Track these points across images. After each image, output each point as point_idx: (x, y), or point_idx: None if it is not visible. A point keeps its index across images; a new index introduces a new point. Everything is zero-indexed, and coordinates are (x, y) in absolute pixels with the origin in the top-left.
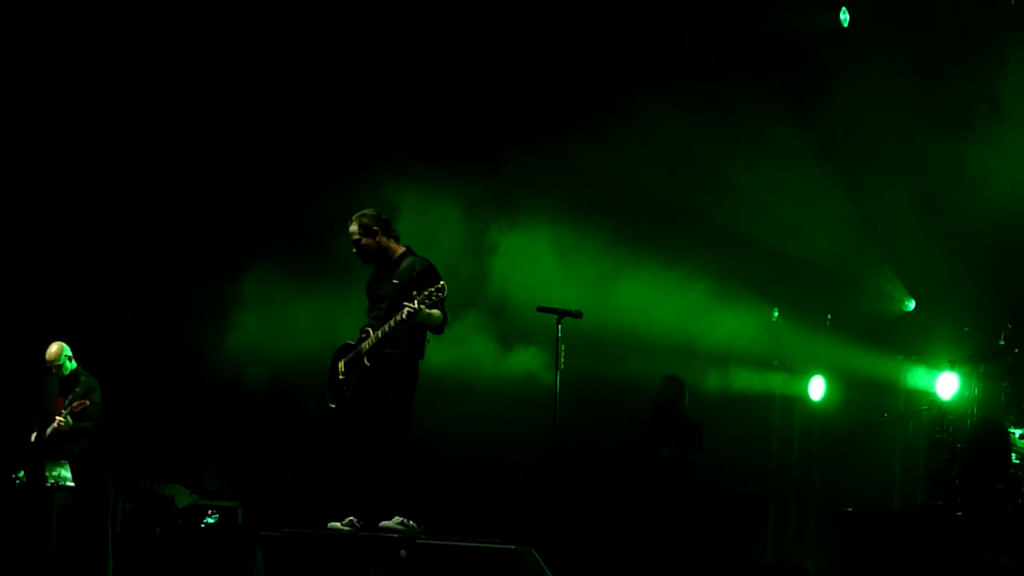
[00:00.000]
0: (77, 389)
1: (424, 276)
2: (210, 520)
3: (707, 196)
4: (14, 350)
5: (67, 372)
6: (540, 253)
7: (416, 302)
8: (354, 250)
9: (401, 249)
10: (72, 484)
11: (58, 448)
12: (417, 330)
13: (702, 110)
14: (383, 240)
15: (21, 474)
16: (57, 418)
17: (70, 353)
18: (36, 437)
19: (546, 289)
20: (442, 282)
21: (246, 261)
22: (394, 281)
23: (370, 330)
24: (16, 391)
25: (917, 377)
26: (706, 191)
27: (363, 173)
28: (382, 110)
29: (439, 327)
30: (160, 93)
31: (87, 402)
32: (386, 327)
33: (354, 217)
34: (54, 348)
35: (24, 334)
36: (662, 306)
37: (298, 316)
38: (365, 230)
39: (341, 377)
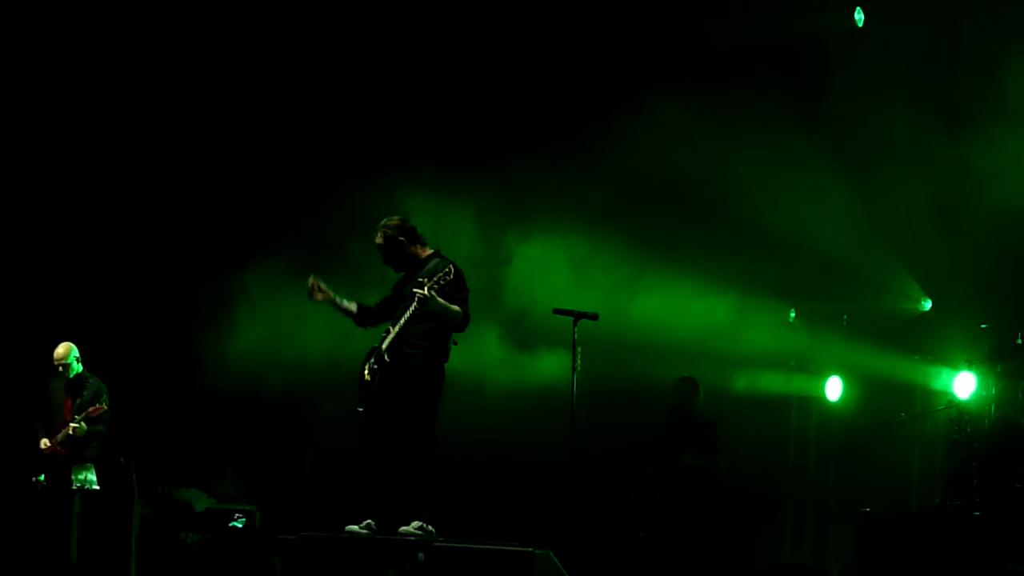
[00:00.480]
0: (85, 393)
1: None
2: (237, 524)
3: (723, 199)
4: (21, 352)
5: (73, 374)
6: (556, 261)
7: (426, 288)
8: (384, 259)
9: (428, 252)
10: (98, 488)
11: (71, 454)
12: (439, 330)
13: (716, 113)
14: (410, 248)
15: (42, 478)
16: (71, 424)
17: (78, 355)
18: (47, 444)
19: (563, 295)
20: (450, 265)
21: (258, 266)
22: (419, 280)
23: (390, 327)
24: (25, 394)
25: (934, 377)
26: (722, 194)
27: (375, 178)
28: (394, 115)
29: (461, 324)
30: (173, 98)
31: (104, 407)
32: (402, 320)
33: (379, 227)
34: (62, 348)
35: (30, 336)
36: (678, 309)
37: (310, 320)
38: (390, 241)
39: (367, 379)
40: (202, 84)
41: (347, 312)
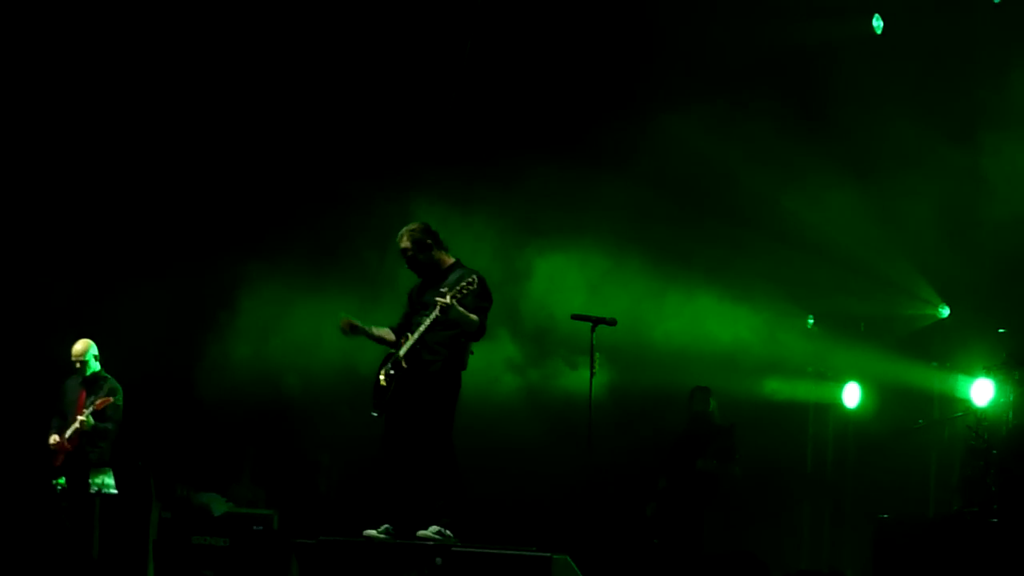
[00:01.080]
0: (100, 392)
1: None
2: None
3: (741, 208)
4: (36, 351)
5: (90, 372)
6: (573, 274)
7: (448, 296)
8: (410, 265)
9: (451, 260)
10: (115, 492)
11: (78, 453)
12: (458, 338)
13: (732, 122)
14: (435, 253)
15: (62, 480)
16: (79, 417)
17: (96, 353)
18: (56, 440)
19: (583, 305)
20: (473, 275)
21: (274, 271)
22: (442, 290)
23: (409, 334)
24: (40, 394)
25: (952, 383)
26: (740, 203)
27: (391, 188)
28: (411, 124)
29: (476, 334)
30: (185, 104)
31: (111, 399)
32: (422, 327)
33: (404, 232)
34: (81, 345)
35: (44, 335)
36: (697, 318)
37: (326, 325)
38: (418, 245)
39: (383, 384)
40: (215, 89)
41: (383, 340)
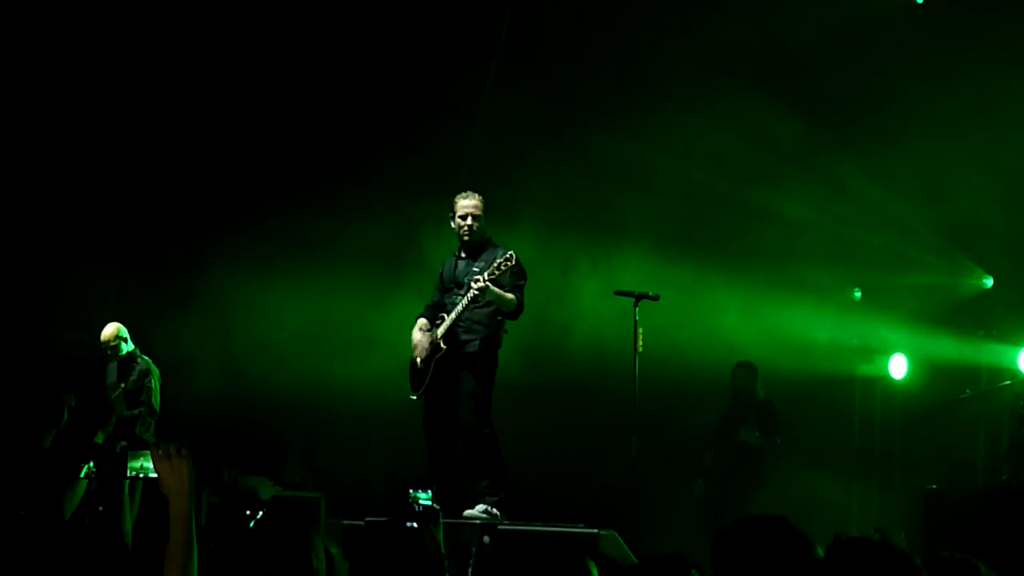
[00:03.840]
0: (132, 375)
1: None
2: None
3: (784, 180)
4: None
5: (123, 353)
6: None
7: (483, 278)
8: (471, 223)
9: (487, 236)
10: (156, 475)
11: (114, 439)
12: (495, 316)
13: (772, 91)
14: (484, 224)
15: (91, 465)
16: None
17: (126, 335)
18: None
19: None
20: (509, 253)
21: (310, 255)
22: (475, 268)
23: (444, 315)
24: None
25: (999, 353)
26: (782, 175)
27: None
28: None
29: (514, 313)
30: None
31: (122, 385)
32: (458, 307)
33: (469, 193)
34: (109, 329)
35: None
36: (741, 292)
37: (369, 307)
38: (484, 209)
39: (420, 366)
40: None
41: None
